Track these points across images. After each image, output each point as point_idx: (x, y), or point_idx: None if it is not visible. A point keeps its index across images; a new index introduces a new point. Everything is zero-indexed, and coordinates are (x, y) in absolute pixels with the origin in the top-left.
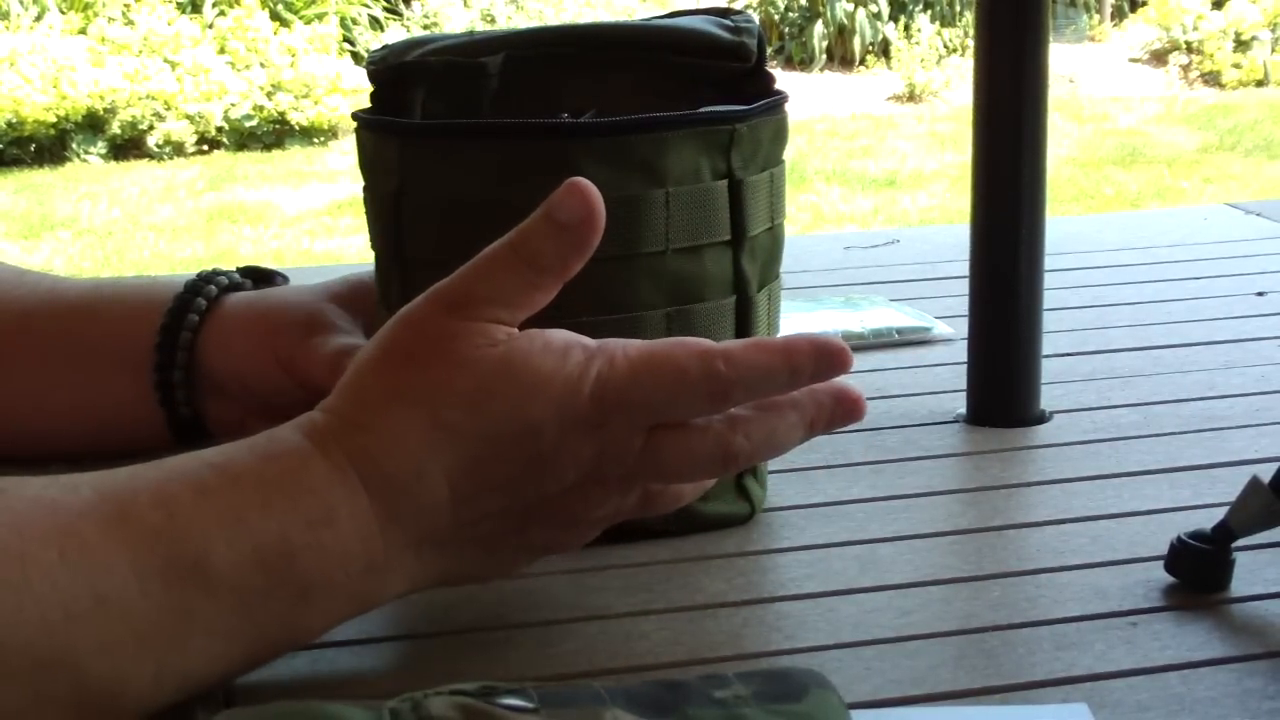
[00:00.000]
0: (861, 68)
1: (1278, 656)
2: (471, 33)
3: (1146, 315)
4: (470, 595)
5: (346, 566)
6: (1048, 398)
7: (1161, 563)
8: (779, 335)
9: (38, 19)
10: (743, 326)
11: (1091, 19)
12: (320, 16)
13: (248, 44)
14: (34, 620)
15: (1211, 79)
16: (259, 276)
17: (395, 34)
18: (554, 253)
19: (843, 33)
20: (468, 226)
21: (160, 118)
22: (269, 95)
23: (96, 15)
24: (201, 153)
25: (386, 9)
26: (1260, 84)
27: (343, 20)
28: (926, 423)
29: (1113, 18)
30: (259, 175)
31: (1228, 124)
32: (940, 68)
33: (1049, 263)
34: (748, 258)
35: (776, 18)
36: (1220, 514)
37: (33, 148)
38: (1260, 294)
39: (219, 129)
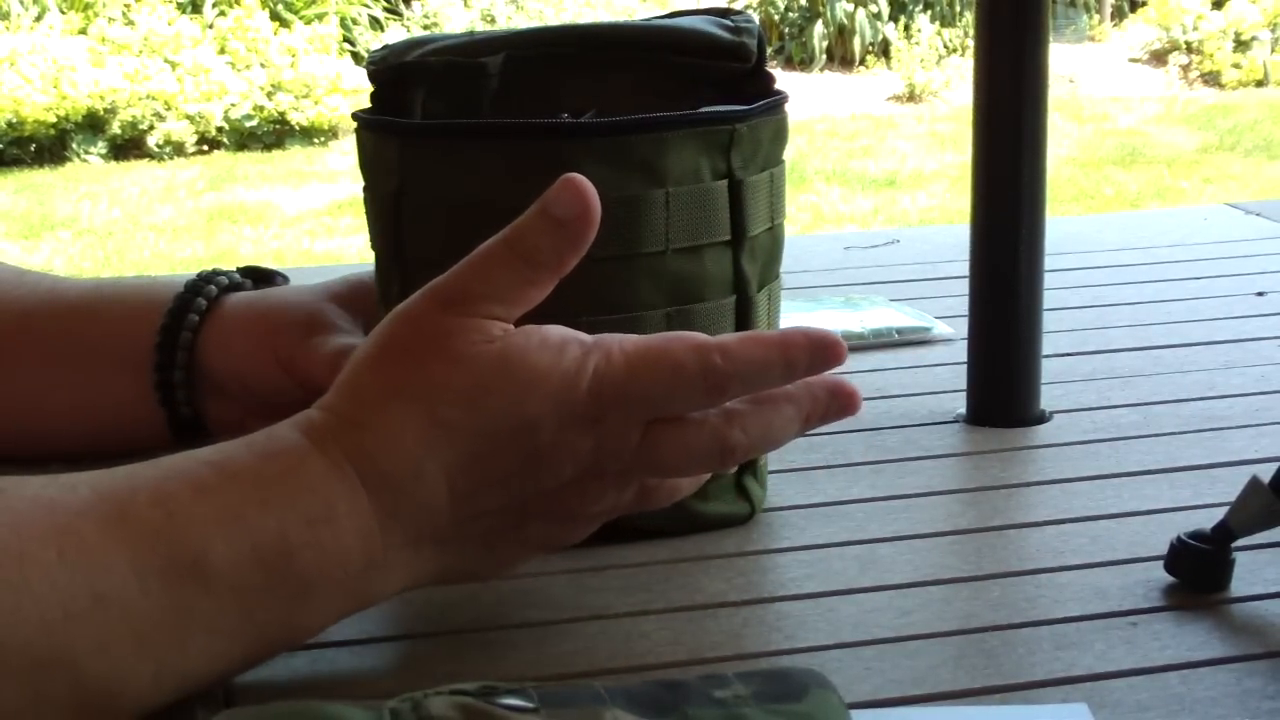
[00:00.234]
0: (861, 68)
1: (1278, 656)
2: (471, 33)
3: (1146, 315)
4: (470, 595)
5: (345, 564)
6: (1048, 398)
7: (1161, 563)
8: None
9: (38, 19)
10: (743, 327)
11: (1091, 19)
12: (320, 16)
13: (248, 44)
14: (33, 619)
15: (1211, 79)
16: (259, 276)
17: (395, 34)
18: (550, 248)
19: (843, 33)
20: (468, 226)
21: (160, 118)
22: (269, 95)
23: (97, 15)
24: (202, 153)
25: (386, 9)
26: (1260, 84)
27: (343, 20)
28: (926, 423)
29: (1113, 18)
30: (259, 175)
31: (1227, 124)
32: (940, 68)
33: (1049, 263)
34: (748, 258)
35: (776, 18)
36: (1220, 514)
37: (33, 148)
38: (1260, 294)
39: (219, 129)
